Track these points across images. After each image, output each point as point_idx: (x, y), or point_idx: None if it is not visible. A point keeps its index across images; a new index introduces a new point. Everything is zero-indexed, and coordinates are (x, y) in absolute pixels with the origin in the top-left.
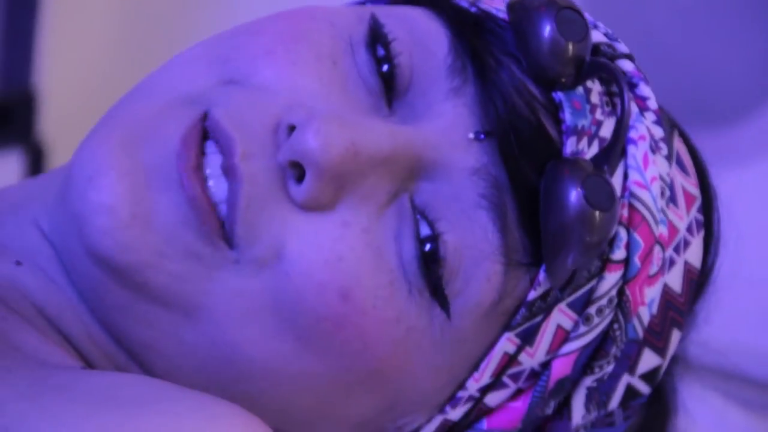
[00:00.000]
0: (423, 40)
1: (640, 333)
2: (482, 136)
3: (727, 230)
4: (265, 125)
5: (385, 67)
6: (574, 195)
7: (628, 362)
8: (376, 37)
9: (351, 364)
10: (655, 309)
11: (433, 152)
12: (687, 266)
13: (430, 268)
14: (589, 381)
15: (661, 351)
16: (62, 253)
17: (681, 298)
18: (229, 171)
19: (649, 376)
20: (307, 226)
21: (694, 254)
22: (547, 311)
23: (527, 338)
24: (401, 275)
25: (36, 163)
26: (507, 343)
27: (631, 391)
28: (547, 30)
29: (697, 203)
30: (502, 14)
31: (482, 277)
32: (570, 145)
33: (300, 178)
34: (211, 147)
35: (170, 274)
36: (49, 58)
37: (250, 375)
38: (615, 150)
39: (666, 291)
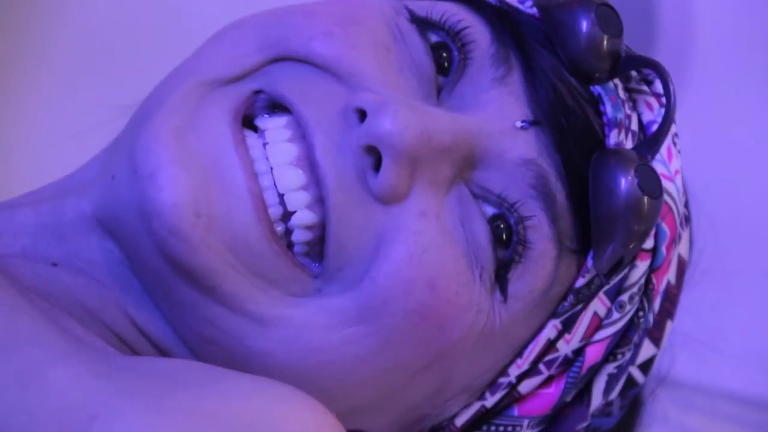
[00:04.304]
0: (466, 31)
1: (651, 322)
2: (527, 124)
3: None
4: (332, 106)
5: (445, 54)
6: (627, 183)
7: (637, 351)
8: (431, 24)
9: (424, 352)
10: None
11: (486, 140)
12: (680, 259)
13: (508, 249)
14: (610, 368)
15: (657, 341)
16: (127, 243)
17: (675, 289)
18: (313, 167)
19: (645, 366)
20: (389, 223)
21: (684, 248)
22: (589, 299)
23: (568, 325)
24: (474, 260)
25: None
26: (551, 330)
27: (630, 381)
28: (586, 25)
29: (685, 199)
30: (529, 10)
31: (537, 263)
32: (613, 137)
33: (376, 166)
34: (266, 122)
35: (241, 288)
36: None
37: (320, 377)
38: (660, 140)
39: (667, 282)
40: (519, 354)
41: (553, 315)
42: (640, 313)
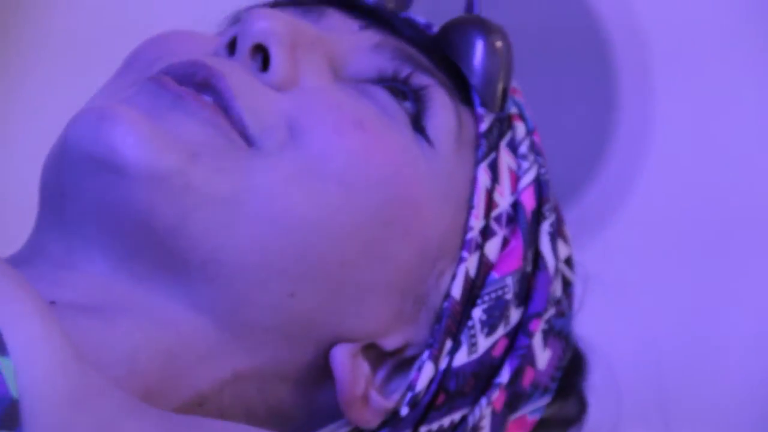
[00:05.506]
0: None
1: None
2: (364, 26)
3: None
4: (209, 54)
5: None
6: (478, 30)
7: (556, 238)
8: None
9: (385, 195)
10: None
11: (339, 42)
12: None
13: (408, 100)
14: (546, 226)
15: (566, 240)
16: (103, 211)
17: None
18: (209, 73)
19: (568, 262)
20: (293, 100)
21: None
22: (497, 146)
23: (494, 173)
24: (385, 113)
25: None
26: (484, 176)
27: (564, 278)
28: None
29: None
30: None
31: (438, 103)
32: (434, 28)
33: (263, 65)
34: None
35: (208, 167)
36: None
37: (306, 235)
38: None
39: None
40: (471, 205)
41: (479, 161)
42: (542, 170)
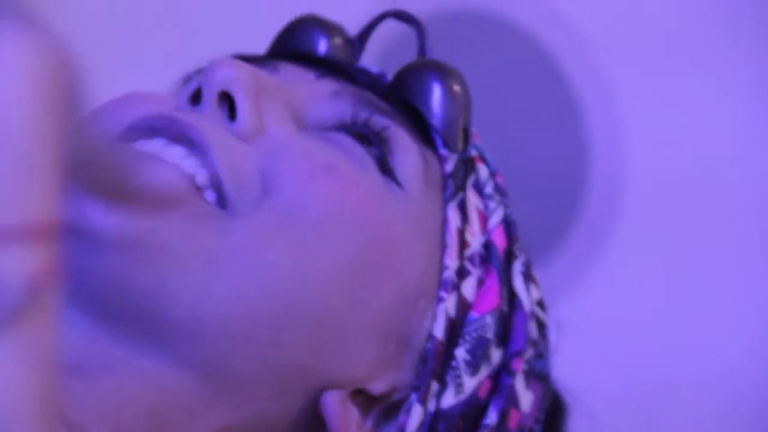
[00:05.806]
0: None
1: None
2: (319, 75)
3: None
4: (171, 109)
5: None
6: (434, 74)
7: (528, 278)
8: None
9: (363, 237)
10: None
11: (297, 91)
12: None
13: (373, 145)
14: (518, 266)
15: (535, 282)
16: (77, 277)
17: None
18: (181, 126)
19: (540, 305)
20: (262, 150)
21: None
22: (464, 186)
23: (464, 213)
24: (353, 157)
25: None
26: (454, 216)
27: (538, 320)
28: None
29: None
30: None
31: (402, 144)
32: (388, 76)
33: (230, 114)
34: None
35: (182, 227)
36: None
37: (287, 286)
38: (422, 35)
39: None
40: (444, 244)
41: (446, 201)
42: (509, 210)
